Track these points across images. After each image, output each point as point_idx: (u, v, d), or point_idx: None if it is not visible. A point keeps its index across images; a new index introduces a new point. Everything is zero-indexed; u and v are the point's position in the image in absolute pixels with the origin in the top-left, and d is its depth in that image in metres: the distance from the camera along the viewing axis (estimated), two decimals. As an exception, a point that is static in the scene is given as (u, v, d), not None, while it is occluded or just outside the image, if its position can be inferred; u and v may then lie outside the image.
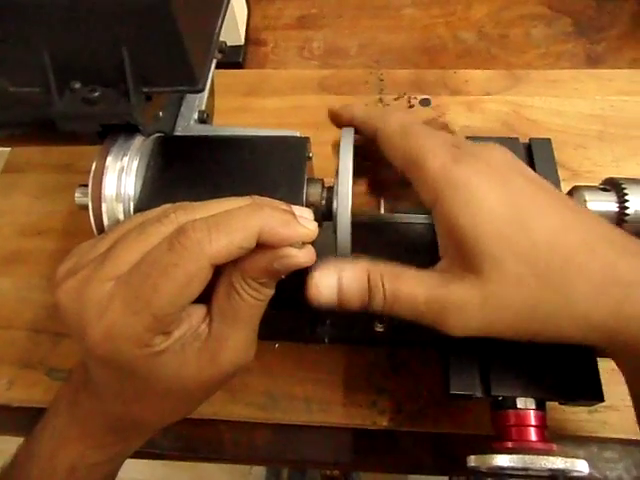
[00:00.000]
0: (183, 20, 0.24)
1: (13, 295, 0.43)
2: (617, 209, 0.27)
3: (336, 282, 0.25)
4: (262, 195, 0.26)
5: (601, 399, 0.27)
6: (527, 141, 0.36)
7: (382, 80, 0.52)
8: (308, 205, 0.28)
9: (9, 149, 0.51)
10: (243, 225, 0.22)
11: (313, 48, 0.61)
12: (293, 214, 0.23)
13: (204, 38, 0.28)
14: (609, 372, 0.28)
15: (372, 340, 0.37)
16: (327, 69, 0.57)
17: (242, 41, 0.59)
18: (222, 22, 0.31)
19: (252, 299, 0.24)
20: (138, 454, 0.39)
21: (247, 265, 0.23)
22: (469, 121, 0.49)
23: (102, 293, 0.22)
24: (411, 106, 0.50)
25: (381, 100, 0.50)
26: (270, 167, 0.28)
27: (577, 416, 0.35)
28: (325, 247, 0.35)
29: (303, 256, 0.23)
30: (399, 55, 0.59)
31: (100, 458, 0.28)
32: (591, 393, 0.27)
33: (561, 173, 0.45)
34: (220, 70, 0.54)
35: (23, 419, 0.40)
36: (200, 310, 0.25)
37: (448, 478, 0.65)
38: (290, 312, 0.36)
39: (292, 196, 0.26)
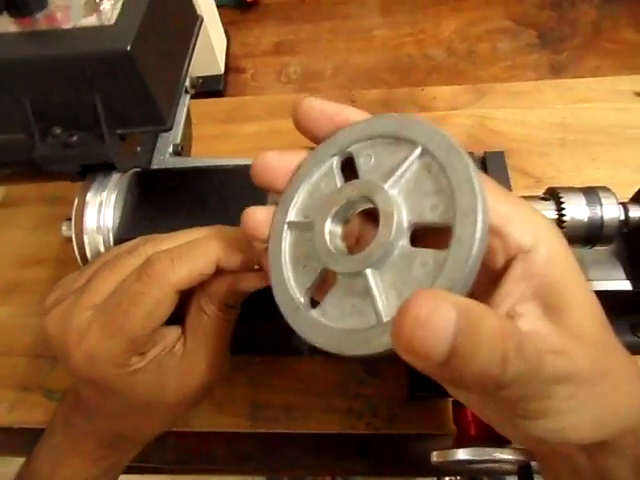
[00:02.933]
0: (147, 69, 0.27)
1: (13, 323, 0.45)
2: (556, 216, 0.29)
3: None
4: (229, 221, 0.28)
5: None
6: (482, 154, 0.39)
7: (354, 101, 0.55)
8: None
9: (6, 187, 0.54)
10: (202, 254, 0.24)
11: (290, 73, 0.64)
12: (248, 242, 0.26)
13: (170, 82, 0.31)
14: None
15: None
16: (303, 92, 0.60)
17: (222, 70, 0.62)
18: (189, 65, 0.33)
19: (219, 319, 0.26)
20: (135, 469, 0.42)
21: (212, 288, 0.26)
22: (437, 136, 0.51)
23: (82, 320, 0.24)
24: (381, 124, 0.52)
25: (353, 120, 0.53)
26: (236, 195, 0.30)
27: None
28: None
29: (259, 278, 0.26)
30: (372, 74, 0.62)
31: (94, 472, 0.30)
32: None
33: (526, 181, 0.48)
34: (200, 100, 0.57)
35: (24, 440, 0.42)
36: (174, 331, 0.27)
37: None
38: (270, 326, 0.39)
39: (255, 221, 0.29)
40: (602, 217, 0.29)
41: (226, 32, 0.66)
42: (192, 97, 0.55)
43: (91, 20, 0.28)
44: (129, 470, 0.42)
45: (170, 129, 0.30)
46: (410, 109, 0.54)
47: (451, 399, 0.31)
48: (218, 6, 0.65)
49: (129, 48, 0.25)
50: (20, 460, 0.35)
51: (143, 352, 0.26)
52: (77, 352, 0.24)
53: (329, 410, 0.39)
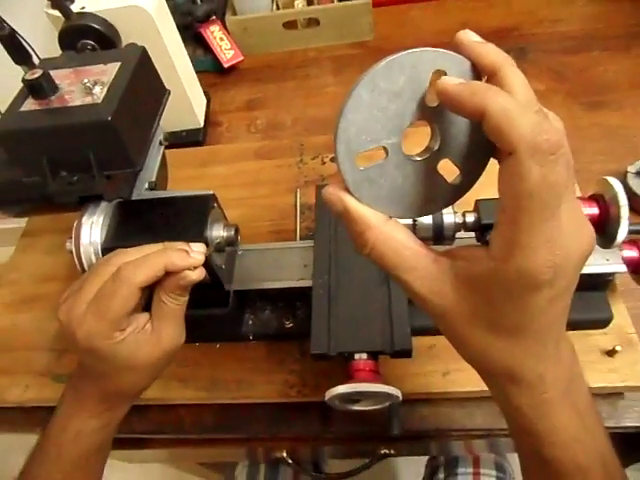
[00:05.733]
0: (123, 131, 0.40)
1: (31, 326, 0.58)
2: (411, 221, 0.41)
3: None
4: (179, 233, 0.41)
5: (410, 355, 0.40)
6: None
7: (302, 145, 0.68)
8: (213, 238, 0.43)
9: (26, 220, 0.68)
10: (154, 263, 0.37)
11: (258, 124, 0.78)
12: (186, 251, 0.38)
13: (141, 137, 0.44)
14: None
15: (285, 334, 0.51)
16: (267, 140, 0.73)
17: (201, 124, 0.76)
18: (158, 124, 0.47)
19: (173, 305, 0.38)
20: (120, 443, 0.52)
21: (166, 284, 0.38)
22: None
23: (80, 311, 0.36)
24: (324, 163, 0.66)
25: (302, 160, 0.66)
26: (185, 216, 0.43)
27: (435, 379, 0.47)
28: (231, 264, 0.49)
29: (194, 274, 0.38)
30: (324, 124, 0.76)
31: (97, 424, 0.40)
32: (404, 349, 0.40)
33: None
34: (182, 149, 0.71)
35: (35, 418, 0.54)
36: (144, 316, 0.39)
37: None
38: (224, 319, 0.50)
39: (197, 234, 0.41)
40: (442, 222, 0.41)
41: (206, 93, 0.81)
42: (175, 146, 0.70)
43: (87, 99, 0.41)
44: (120, 445, 0.53)
45: (140, 170, 0.43)
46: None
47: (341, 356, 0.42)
48: (201, 72, 0.81)
49: (109, 119, 0.38)
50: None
51: (123, 329, 0.37)
52: (78, 332, 0.36)
53: (269, 382, 0.49)
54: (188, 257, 0.38)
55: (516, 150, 0.22)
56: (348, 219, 0.27)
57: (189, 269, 0.38)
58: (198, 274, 0.38)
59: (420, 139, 0.27)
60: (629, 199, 0.58)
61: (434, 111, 0.25)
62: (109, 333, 0.36)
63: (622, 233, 0.39)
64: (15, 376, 0.54)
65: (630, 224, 0.41)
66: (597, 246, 0.44)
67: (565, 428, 0.28)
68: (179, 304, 0.39)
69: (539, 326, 0.26)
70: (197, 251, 0.39)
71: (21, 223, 0.69)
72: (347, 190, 0.26)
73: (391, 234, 0.26)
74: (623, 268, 0.44)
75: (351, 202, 0.26)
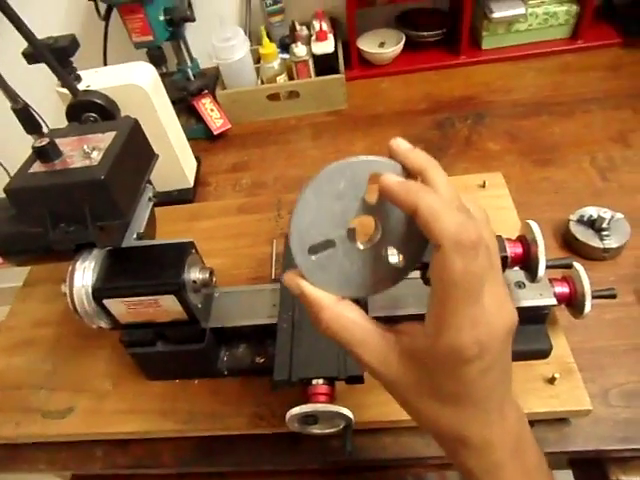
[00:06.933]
0: (115, 189, 0.47)
1: (24, 367, 0.62)
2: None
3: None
4: (159, 275, 0.47)
5: (362, 381, 0.45)
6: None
7: (280, 201, 0.76)
8: (190, 279, 0.49)
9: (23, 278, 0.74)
10: None
11: (242, 184, 0.86)
12: None
13: (131, 193, 0.51)
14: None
15: (256, 370, 0.55)
16: (250, 197, 0.81)
17: (191, 185, 0.84)
18: (146, 182, 0.54)
19: None
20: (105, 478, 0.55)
21: None
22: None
23: None
24: (298, 216, 0.73)
25: (279, 214, 0.74)
26: (166, 260, 0.49)
27: (392, 407, 0.51)
28: (207, 304, 0.55)
29: None
30: (302, 182, 0.83)
31: None
32: (356, 377, 0.45)
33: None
34: (174, 206, 0.79)
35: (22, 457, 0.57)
36: None
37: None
38: (201, 355, 0.55)
39: (176, 274, 0.47)
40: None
41: (197, 157, 0.90)
42: (168, 204, 0.77)
43: (86, 162, 0.48)
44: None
45: (129, 221, 0.49)
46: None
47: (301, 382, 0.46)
48: (194, 138, 0.90)
49: (103, 177, 0.46)
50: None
51: None
52: None
53: (241, 415, 0.53)
54: None
55: (442, 245, 0.25)
56: (304, 301, 0.30)
57: None
58: None
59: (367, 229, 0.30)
60: (571, 244, 0.65)
61: (374, 207, 0.28)
62: None
63: (541, 268, 0.45)
64: (7, 413, 0.58)
65: (550, 260, 0.47)
66: (532, 283, 0.50)
67: None
68: None
69: (477, 394, 0.28)
70: None
71: (18, 282, 0.75)
72: (303, 276, 0.29)
73: (342, 313, 0.30)
74: (553, 301, 0.49)
75: (306, 287, 0.30)
